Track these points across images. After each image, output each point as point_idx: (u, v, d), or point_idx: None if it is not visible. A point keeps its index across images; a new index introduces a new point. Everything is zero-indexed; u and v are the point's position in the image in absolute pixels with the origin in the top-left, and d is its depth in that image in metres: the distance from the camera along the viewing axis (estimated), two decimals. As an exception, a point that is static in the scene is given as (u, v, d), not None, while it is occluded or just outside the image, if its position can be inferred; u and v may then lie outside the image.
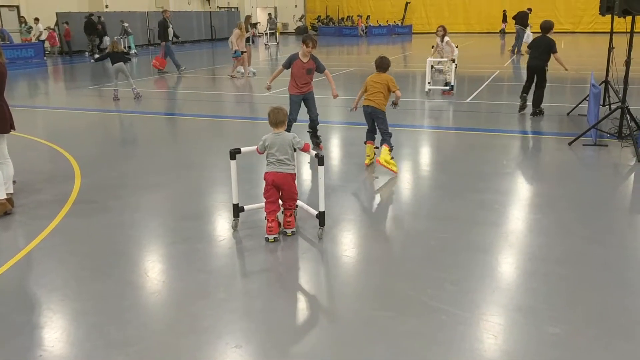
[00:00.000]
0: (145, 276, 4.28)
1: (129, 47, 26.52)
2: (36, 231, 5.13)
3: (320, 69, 7.84)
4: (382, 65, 6.91)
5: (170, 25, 17.96)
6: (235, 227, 5.15)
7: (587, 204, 5.71)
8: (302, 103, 7.94)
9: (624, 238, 4.86)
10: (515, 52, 22.35)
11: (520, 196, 5.98)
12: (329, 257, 4.59)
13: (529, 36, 20.86)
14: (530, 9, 22.63)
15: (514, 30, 22.72)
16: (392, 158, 6.81)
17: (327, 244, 4.84)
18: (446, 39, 13.07)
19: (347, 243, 4.87)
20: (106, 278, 4.22)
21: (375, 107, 6.87)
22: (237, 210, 5.13)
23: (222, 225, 5.32)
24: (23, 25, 25.47)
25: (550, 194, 6.01)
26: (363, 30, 41.04)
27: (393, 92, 6.88)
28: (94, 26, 26.09)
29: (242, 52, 16.54)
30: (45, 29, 25.83)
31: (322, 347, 3.33)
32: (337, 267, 4.41)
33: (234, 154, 4.94)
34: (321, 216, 4.94)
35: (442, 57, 13.32)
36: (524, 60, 19.88)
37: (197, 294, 3.97)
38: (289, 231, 5.00)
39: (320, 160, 4.72)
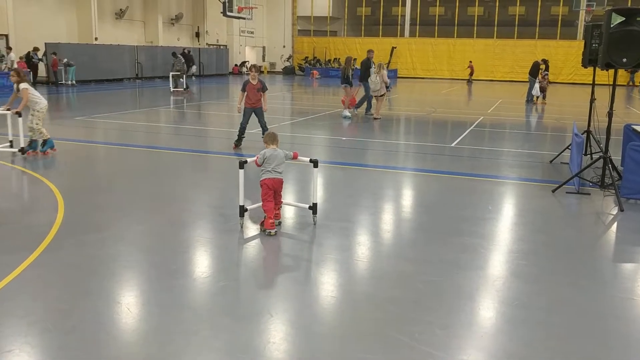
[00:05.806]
0: (127, 311, 4.18)
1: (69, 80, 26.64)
2: (15, 262, 5.00)
3: (264, 89, 10.51)
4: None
5: (373, 66, 16.89)
6: (241, 225, 6.11)
7: (572, 252, 5.75)
8: (253, 114, 10.56)
9: (609, 286, 4.88)
10: (528, 100, 22.74)
11: (506, 241, 6.00)
12: (315, 298, 4.54)
13: (536, 89, 21.71)
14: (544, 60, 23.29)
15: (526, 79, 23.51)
16: None
17: (313, 284, 4.80)
18: None
19: (333, 283, 4.82)
20: (87, 312, 4.11)
21: None
22: (242, 210, 6.11)
23: (206, 261, 5.24)
24: None
25: (535, 240, 6.04)
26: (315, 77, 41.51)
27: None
28: (188, 58, 28.75)
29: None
30: (20, 59, 25.62)
31: (309, 390, 3.25)
32: (322, 308, 4.35)
33: (242, 164, 5.97)
34: (314, 207, 6.29)
35: None
36: (541, 108, 20.57)
37: (181, 331, 3.87)
38: (277, 221, 6.09)
39: (315, 163, 6.15)
